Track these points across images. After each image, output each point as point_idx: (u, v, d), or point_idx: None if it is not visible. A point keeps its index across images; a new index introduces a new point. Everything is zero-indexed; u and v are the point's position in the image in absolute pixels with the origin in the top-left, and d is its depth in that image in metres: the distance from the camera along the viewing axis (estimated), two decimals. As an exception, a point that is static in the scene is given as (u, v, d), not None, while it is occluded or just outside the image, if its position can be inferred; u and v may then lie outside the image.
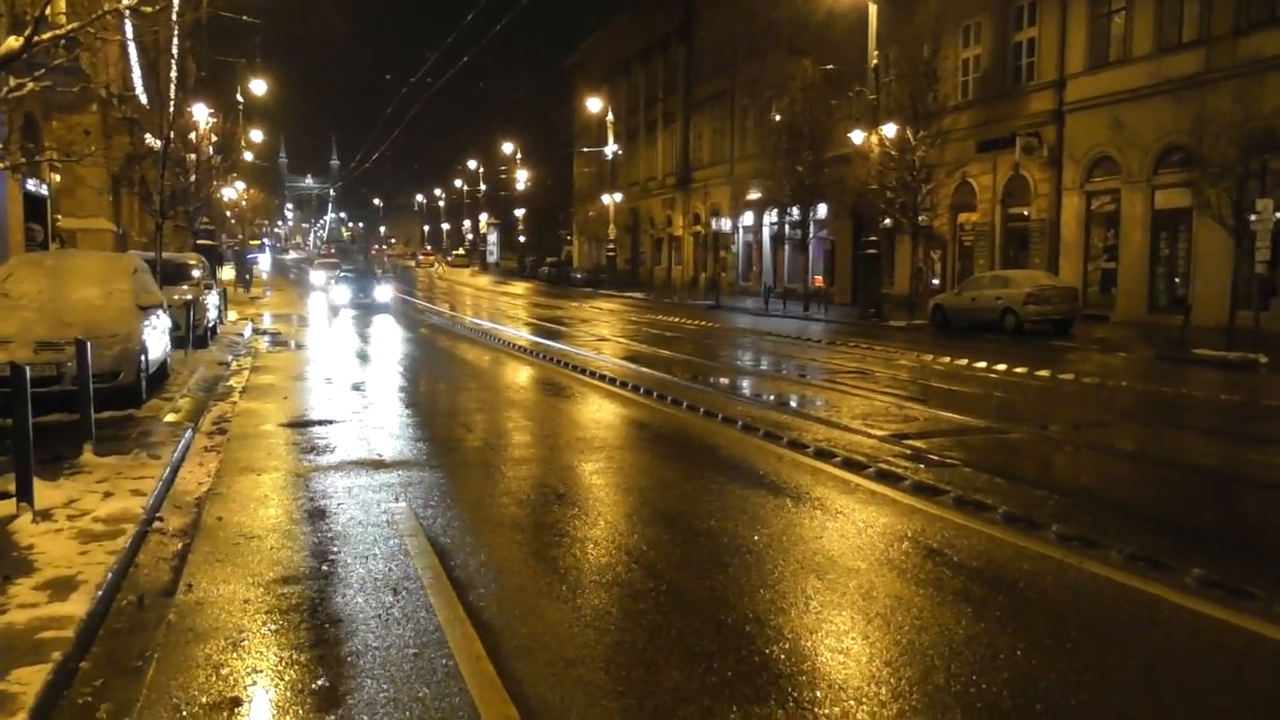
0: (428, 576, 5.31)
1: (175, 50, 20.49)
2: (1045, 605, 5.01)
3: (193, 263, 19.84)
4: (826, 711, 3.76)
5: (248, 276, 42.63)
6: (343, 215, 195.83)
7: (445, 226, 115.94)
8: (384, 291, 33.85)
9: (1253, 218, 17.51)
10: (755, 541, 6.03)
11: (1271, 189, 18.06)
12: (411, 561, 5.58)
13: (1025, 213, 27.85)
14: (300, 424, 10.29)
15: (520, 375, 15.26)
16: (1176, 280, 23.57)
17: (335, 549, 5.86)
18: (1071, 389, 13.59)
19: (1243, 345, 16.60)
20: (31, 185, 18.74)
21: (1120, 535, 6.00)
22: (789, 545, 5.96)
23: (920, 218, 27.46)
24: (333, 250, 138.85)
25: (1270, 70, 19.32)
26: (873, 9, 26.39)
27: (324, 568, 5.51)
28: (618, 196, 53.05)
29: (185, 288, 17.61)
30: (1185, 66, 22.25)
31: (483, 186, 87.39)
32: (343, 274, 36.15)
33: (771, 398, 12.63)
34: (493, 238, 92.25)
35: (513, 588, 5.21)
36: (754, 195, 39.85)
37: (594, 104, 53.84)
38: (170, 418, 9.87)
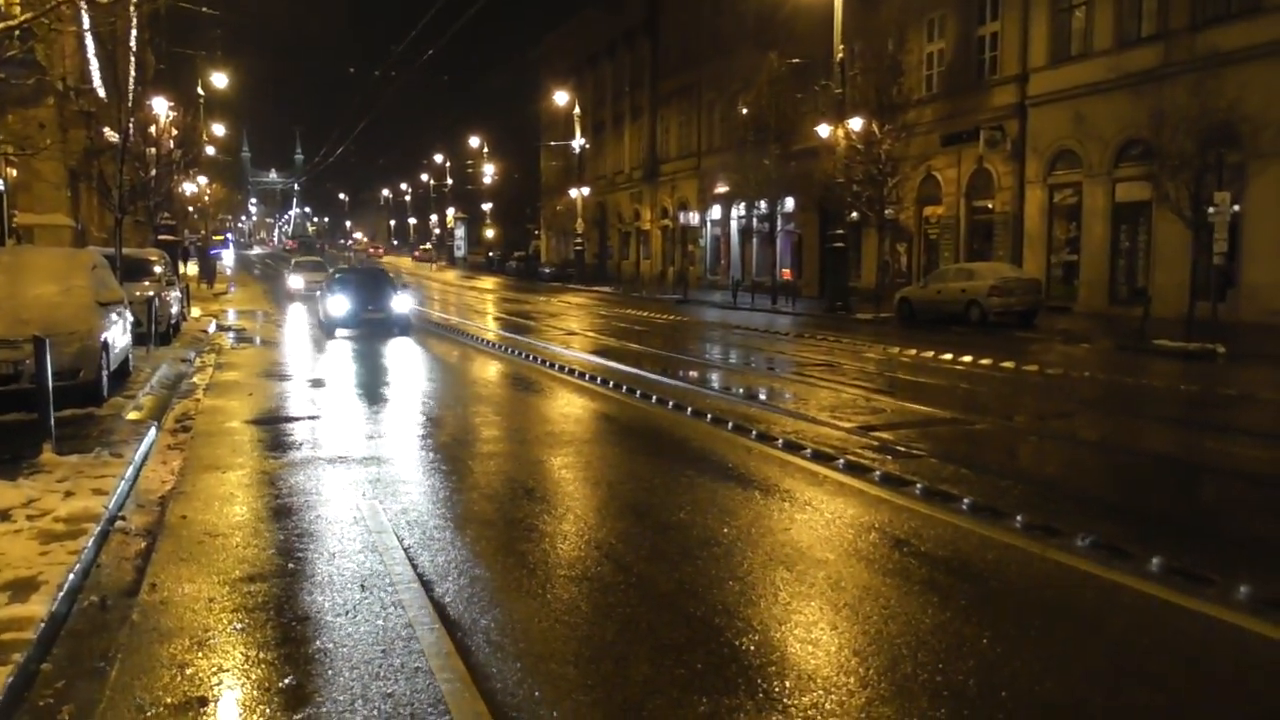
0: (396, 572, 5.28)
1: (134, 42, 20.13)
2: (1010, 593, 5.08)
3: (154, 259, 19.56)
4: (796, 702, 3.79)
5: (211, 272, 42.07)
6: (308, 210, 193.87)
7: (412, 221, 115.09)
8: (402, 301, 21.21)
9: (1210, 210, 17.80)
10: (725, 534, 6.05)
11: (1228, 182, 18.35)
12: (379, 558, 5.55)
13: (989, 205, 28.13)
14: (266, 421, 10.18)
15: (489, 370, 15.20)
16: (1137, 272, 23.92)
17: (302, 546, 5.81)
18: (1035, 380, 13.76)
19: (1201, 336, 16.89)
20: (-14, 180, 18.38)
21: (1083, 523, 6.08)
22: (758, 537, 5.99)
23: (886, 211, 27.66)
24: (298, 244, 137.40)
25: (1227, 64, 19.65)
26: (838, 2, 26.50)
27: (290, 565, 5.46)
28: (585, 190, 52.95)
29: (146, 284, 17.35)
30: (1144, 61, 22.57)
31: (450, 181, 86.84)
32: (339, 277, 22.65)
33: (740, 391, 12.67)
34: (460, 232, 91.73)
35: (482, 583, 5.19)
36: (721, 189, 39.93)
37: (561, 97, 53.68)
38: (133, 415, 9.73)
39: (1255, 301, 20.00)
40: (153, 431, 8.96)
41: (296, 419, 10.33)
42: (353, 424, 10.03)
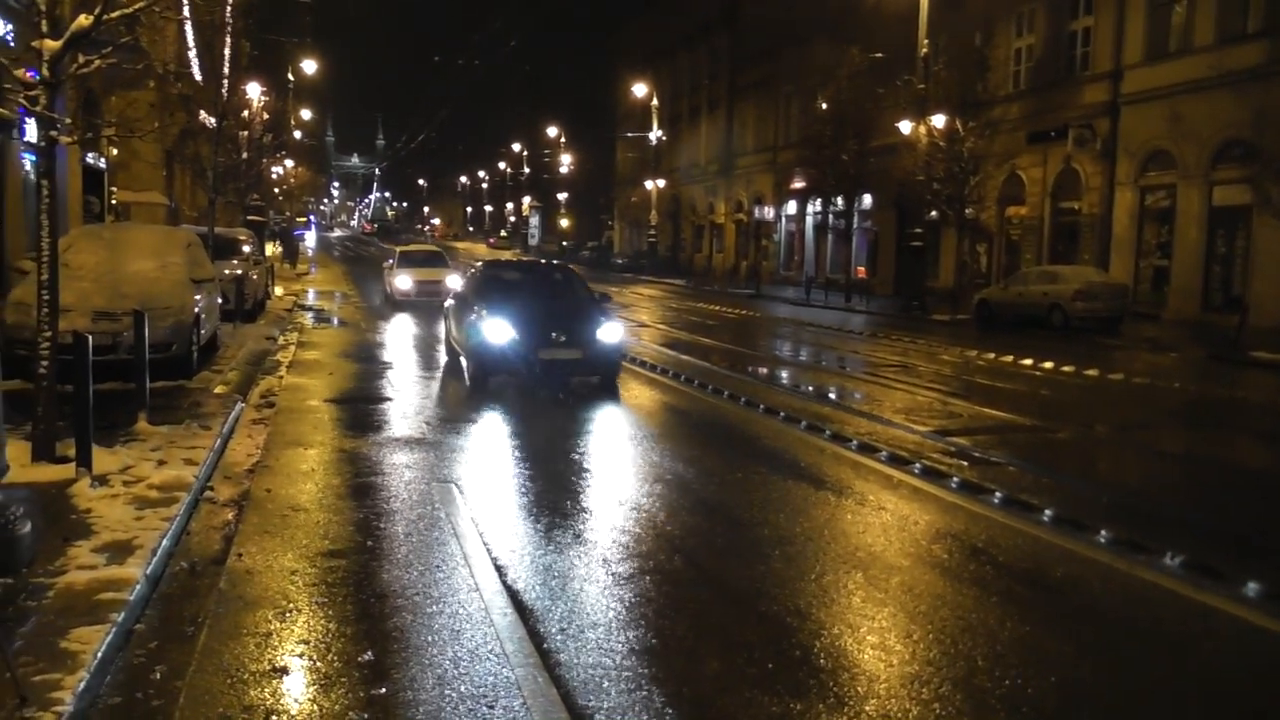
0: (470, 554, 5.36)
1: (230, 29, 20.71)
2: (1094, 610, 4.94)
3: (243, 238, 20.11)
4: (867, 708, 3.75)
5: (294, 253, 43.16)
6: (387, 194, 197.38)
7: (488, 209, 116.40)
8: (611, 330, 11.46)
9: (1314, 216, 17.06)
10: (797, 533, 6.01)
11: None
12: (455, 540, 5.64)
13: (1075, 207, 27.35)
14: (345, 400, 10.42)
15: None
16: (1233, 279, 23.04)
17: (380, 525, 5.93)
18: (1119, 389, 13.36)
19: (1300, 348, 16.20)
20: (90, 159, 19.08)
21: (1171, 541, 5.88)
22: (831, 539, 5.94)
23: (967, 210, 27.07)
24: (375, 228, 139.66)
25: (1337, 66, 18.80)
26: (925, -3, 25.97)
27: (369, 543, 5.59)
28: (660, 182, 52.90)
29: (235, 263, 17.87)
30: (1248, 58, 21.66)
31: (526, 169, 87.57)
32: (491, 279, 13.25)
33: (812, 389, 12.55)
34: (535, 220, 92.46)
35: (555, 571, 5.24)
36: (797, 184, 39.53)
37: (638, 89, 53.67)
38: (220, 390, 10.04)
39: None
40: (239, 406, 9.24)
41: (375, 399, 10.55)
42: (429, 406, 10.21)
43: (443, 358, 14.07)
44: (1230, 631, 4.71)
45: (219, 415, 8.51)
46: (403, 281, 23.86)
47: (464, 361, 12.18)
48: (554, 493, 6.88)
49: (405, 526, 5.92)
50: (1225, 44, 22.48)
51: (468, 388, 11.38)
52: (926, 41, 26.30)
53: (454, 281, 19.82)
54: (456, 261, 27.84)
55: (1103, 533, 6.04)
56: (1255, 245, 21.78)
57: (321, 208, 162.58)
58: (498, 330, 10.84)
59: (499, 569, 5.17)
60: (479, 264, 14.22)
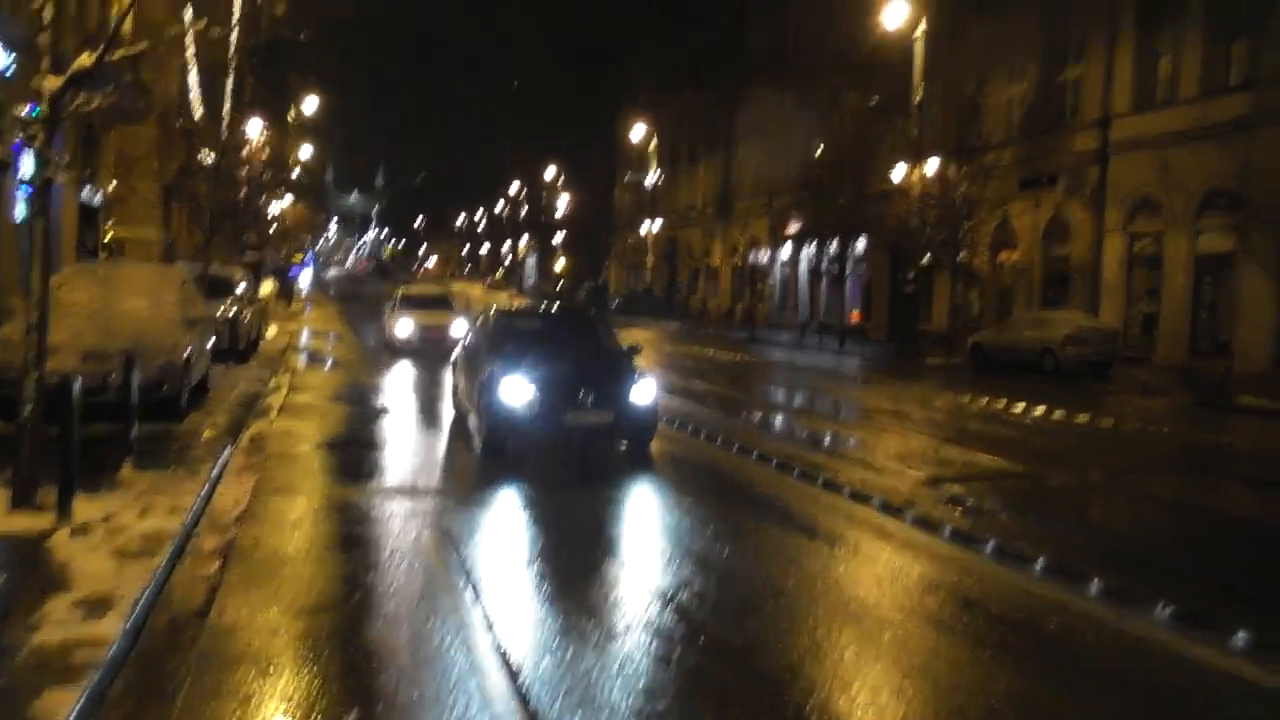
0: (460, 609, 5.30)
1: (233, 68, 20.91)
2: (1086, 662, 4.91)
3: (237, 277, 20.12)
4: (860, 769, 3.69)
5: (289, 292, 43.19)
6: (384, 233, 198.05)
7: (485, 248, 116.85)
8: (645, 390, 10.06)
9: (1301, 265, 17.21)
10: (789, 586, 5.96)
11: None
12: (446, 594, 5.58)
13: (1066, 253, 27.53)
14: (336, 445, 10.37)
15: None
16: (1219, 325, 23.16)
17: (368, 578, 5.87)
18: (1110, 434, 13.36)
19: (1289, 395, 16.24)
20: (85, 194, 19.15)
21: (1162, 589, 5.84)
22: (824, 591, 5.89)
23: (960, 255, 27.26)
24: (370, 267, 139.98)
25: (1322, 116, 19.04)
26: (919, 44, 26.35)
27: (356, 596, 5.52)
28: (657, 224, 53.21)
29: (229, 302, 17.86)
30: (1231, 110, 21.95)
31: (524, 209, 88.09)
32: (507, 328, 11.54)
33: (806, 435, 12.53)
34: (531, 261, 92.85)
35: (545, 626, 5.19)
36: (793, 227, 39.80)
37: (637, 131, 54.15)
38: (209, 434, 9.98)
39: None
40: (228, 451, 9.18)
41: (367, 445, 10.50)
42: (422, 454, 10.17)
43: (441, 402, 13.95)
44: (1220, 684, 4.67)
45: (207, 460, 8.45)
46: (404, 326, 21.74)
47: (473, 421, 10.51)
48: (548, 544, 6.83)
49: (395, 581, 5.86)
50: (1209, 96, 22.79)
51: (476, 450, 9.97)
52: (922, 87, 26.62)
53: (460, 327, 18.90)
54: (461, 305, 25.99)
55: (1095, 582, 6.00)
56: (1240, 292, 21.91)
57: (319, 246, 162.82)
58: (516, 390, 9.38)
59: (491, 626, 5.11)
60: (491, 310, 12.30)
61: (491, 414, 9.54)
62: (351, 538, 6.72)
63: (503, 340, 10.77)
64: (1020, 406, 15.55)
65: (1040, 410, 15.08)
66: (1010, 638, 5.20)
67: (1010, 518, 7.93)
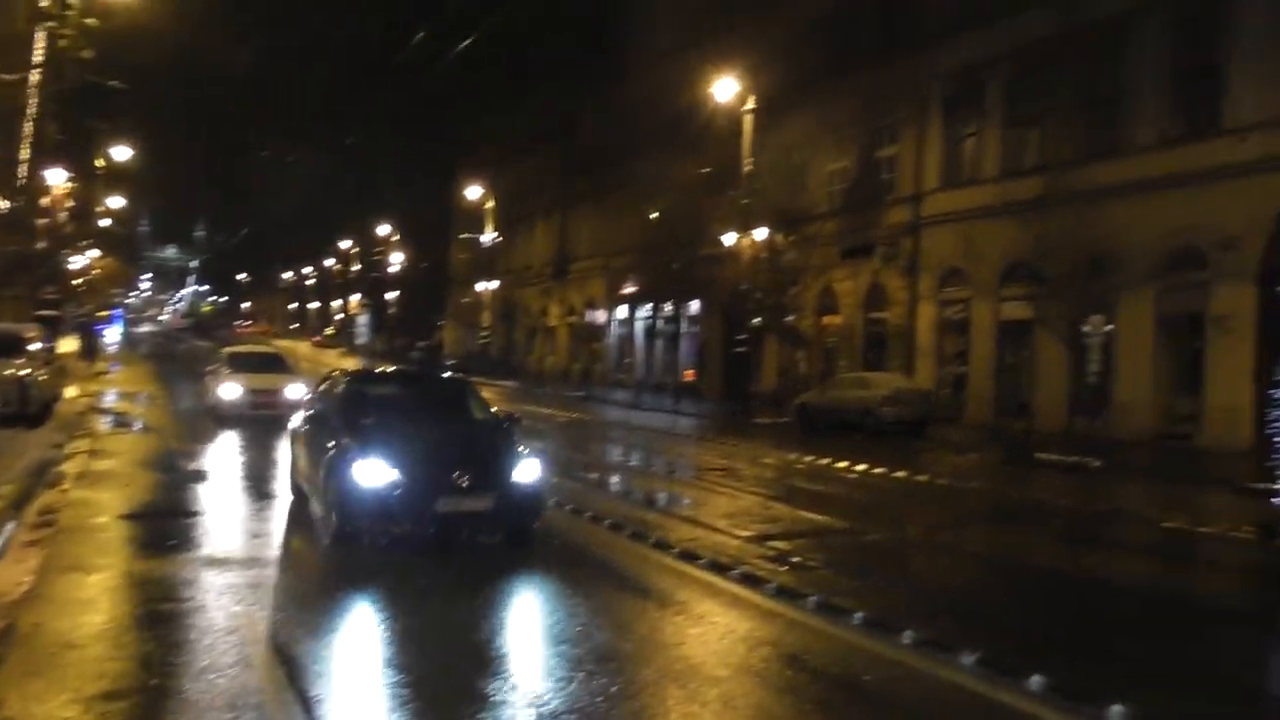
0: (272, 691, 4.99)
1: (32, 114, 19.62)
2: (900, 712, 5.08)
3: (30, 334, 18.64)
4: (683, 835, 3.67)
5: (93, 350, 40.37)
6: (204, 289, 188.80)
7: (313, 305, 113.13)
8: (529, 469, 8.70)
9: (1086, 330, 18.85)
10: (618, 649, 5.92)
11: (1102, 307, 19.51)
12: (255, 674, 5.24)
13: (884, 317, 29.15)
14: (141, 516, 9.64)
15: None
16: (1021, 387, 24.95)
17: (171, 659, 5.44)
18: (925, 490, 14.09)
19: (1080, 450, 17.62)
20: None
21: (971, 639, 6.14)
22: (652, 652, 5.89)
23: (787, 318, 28.41)
24: (188, 324, 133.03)
25: (1101, 198, 21.01)
26: (748, 118, 27.61)
27: (155, 681, 5.10)
28: (494, 284, 53.02)
29: (20, 362, 16.51)
30: (1028, 190, 23.96)
31: (355, 267, 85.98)
32: (363, 393, 9.86)
33: (639, 495, 12.61)
34: (363, 319, 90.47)
35: (364, 704, 4.94)
36: (629, 289, 40.49)
37: (474, 191, 54.07)
38: (-8, 506, 9.12)
39: (1128, 419, 21.02)
40: (10, 526, 8.40)
41: (174, 515, 9.81)
42: (234, 523, 9.60)
43: (271, 469, 13.28)
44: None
45: (-11, 534, 7.70)
46: (230, 390, 19.26)
47: (317, 508, 9.05)
48: (364, 616, 6.55)
49: (201, 661, 5.46)
50: (1008, 177, 24.86)
51: (323, 542, 8.46)
52: (750, 160, 27.83)
53: (297, 391, 17.53)
54: (299, 367, 23.53)
55: (908, 634, 6.24)
56: (1037, 357, 23.75)
57: (130, 301, 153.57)
58: (374, 472, 7.87)
59: (305, 703, 4.82)
60: (342, 373, 10.84)
61: (343, 501, 8.00)
62: (152, 617, 6.24)
63: (356, 409, 9.12)
64: (843, 464, 16.20)
65: (862, 467, 15.76)
66: (829, 692, 5.34)
67: (832, 573, 8.20)
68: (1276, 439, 9.75)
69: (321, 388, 10.76)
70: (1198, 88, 20.92)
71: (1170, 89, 21.36)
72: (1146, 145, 21.50)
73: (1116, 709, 4.98)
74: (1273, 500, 10.12)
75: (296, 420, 10.78)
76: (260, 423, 17.70)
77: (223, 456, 14.85)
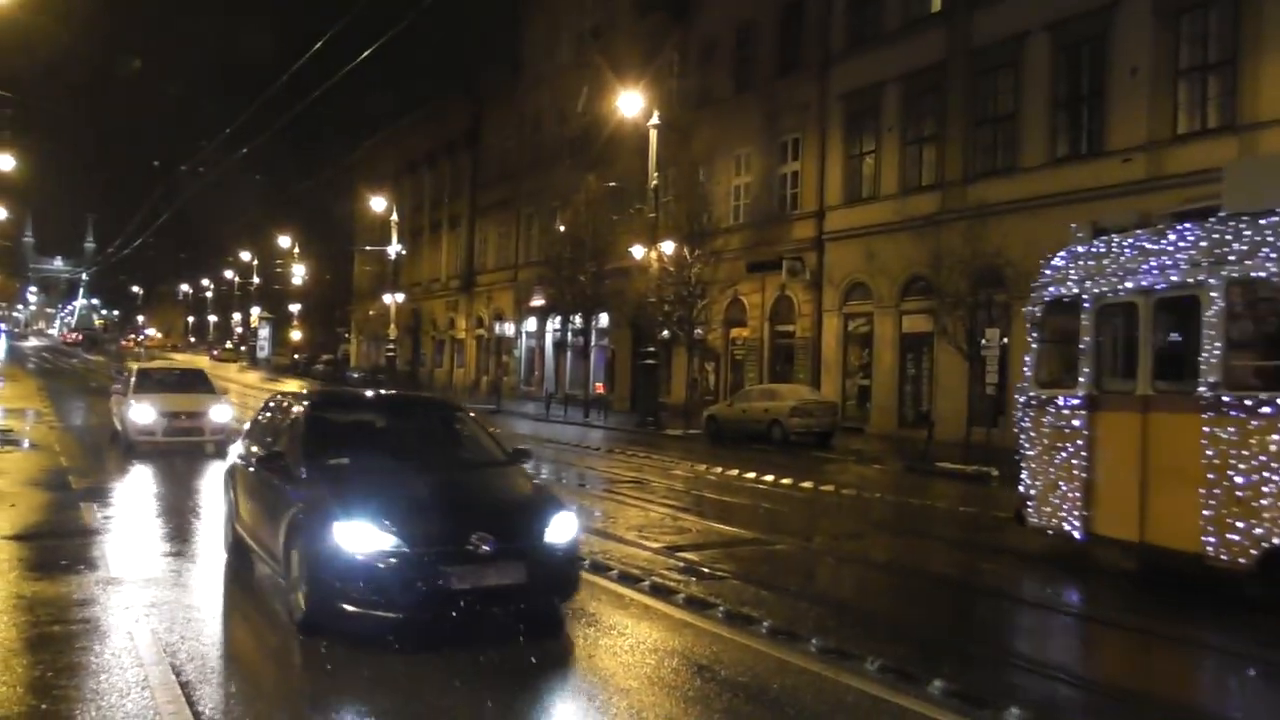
0: (168, 712, 4.86)
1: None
2: (806, 718, 5.22)
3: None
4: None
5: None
6: (95, 302, 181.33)
7: (212, 319, 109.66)
8: (563, 526, 6.58)
9: (983, 343, 19.59)
10: (526, 664, 5.94)
11: (998, 319, 20.32)
12: (150, 695, 5.09)
13: (791, 330, 29.74)
14: (29, 537, 9.25)
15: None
16: (922, 397, 25.75)
17: (62, 684, 5.25)
18: (831, 500, 14.43)
19: (978, 459, 18.28)
20: None
21: (873, 646, 6.36)
22: (563, 665, 5.92)
23: (696, 331, 28.74)
24: (81, 337, 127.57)
25: (993, 215, 21.90)
26: (653, 134, 27.92)
27: (45, 705, 4.93)
28: (399, 296, 52.26)
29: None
30: (924, 207, 24.85)
31: (256, 279, 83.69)
32: (333, 443, 7.33)
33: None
34: (265, 332, 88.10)
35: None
36: (538, 301, 40.41)
37: (378, 203, 53.26)
38: None
39: (1022, 428, 21.85)
40: (-112, 550, 7.96)
41: (67, 534, 9.44)
42: (131, 541, 9.27)
43: (156, 486, 12.83)
44: (923, 732, 5.13)
45: None
46: (142, 414, 16.18)
47: (271, 569, 7.10)
48: (269, 634, 6.42)
49: (93, 682, 5.28)
50: (906, 194, 25.71)
51: (291, 620, 6.39)
52: (656, 175, 28.14)
53: (222, 414, 16.64)
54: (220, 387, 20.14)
55: (814, 642, 6.41)
56: (937, 368, 24.56)
57: (15, 314, 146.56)
58: (361, 536, 5.89)
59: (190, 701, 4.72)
60: (295, 396, 8.67)
61: (320, 577, 5.97)
62: (43, 639, 6.00)
63: (323, 446, 7.12)
64: (751, 475, 16.48)
65: (770, 478, 16.05)
66: (738, 700, 5.44)
67: (741, 583, 8.35)
68: (1020, 438, 9.99)
69: (266, 415, 8.56)
70: (1085, 110, 22.02)
71: (1058, 111, 22.42)
72: (1036, 164, 22.49)
73: (1013, 711, 5.20)
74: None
75: (234, 456, 8.63)
76: (178, 453, 16.14)
77: (114, 470, 14.30)
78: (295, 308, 74.97)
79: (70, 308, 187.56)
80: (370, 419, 8.42)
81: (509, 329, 46.50)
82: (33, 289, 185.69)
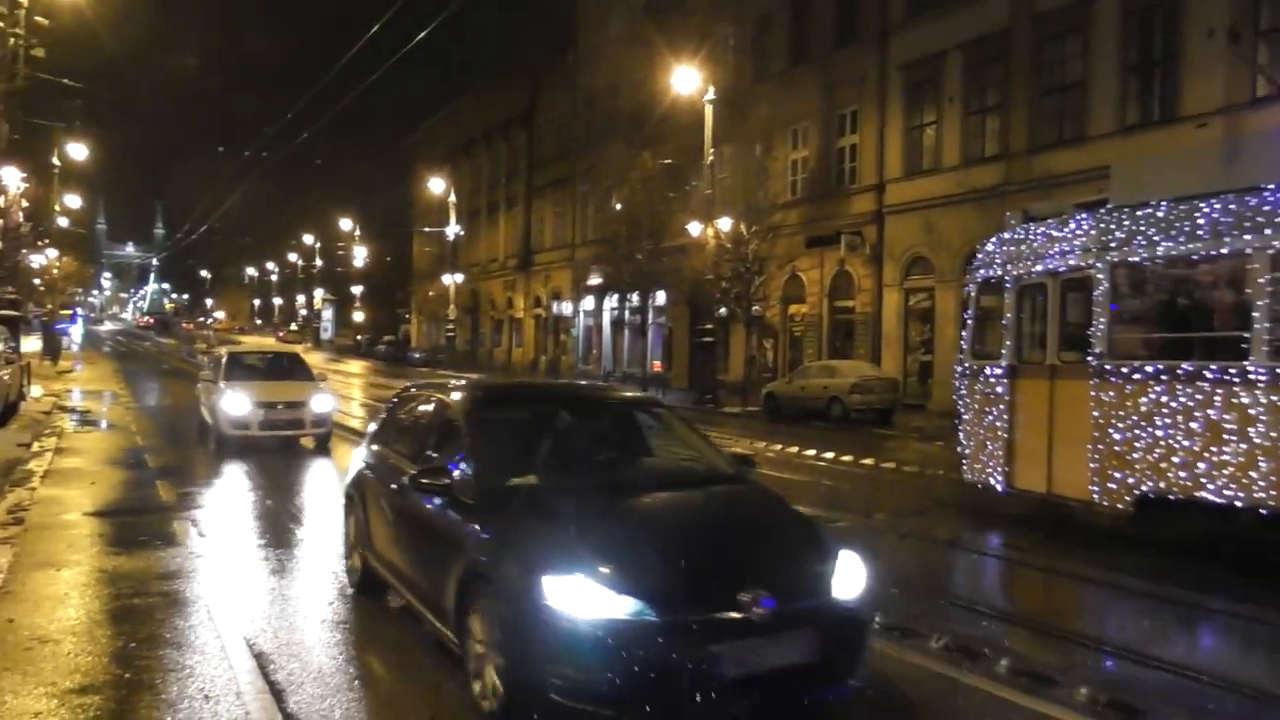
0: (245, 681, 5.01)
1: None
2: (871, 695, 5.20)
3: (-8, 335, 18.37)
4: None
5: (56, 349, 39.75)
6: (165, 286, 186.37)
7: (278, 301, 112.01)
8: (850, 576, 4.72)
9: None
10: None
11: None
12: (228, 665, 5.26)
13: (850, 306, 29.43)
14: (109, 513, 9.60)
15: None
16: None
17: (143, 653, 5.46)
18: (893, 477, 14.29)
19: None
20: None
21: (938, 624, 6.31)
22: None
23: (753, 308, 28.58)
24: (152, 321, 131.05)
25: (1057, 186, 21.36)
26: (709, 109, 27.72)
27: (128, 675, 5.12)
28: (459, 277, 52.83)
29: (-18, 362, 16.26)
30: (987, 178, 24.33)
31: (319, 262, 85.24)
32: (515, 448, 5.59)
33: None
34: (328, 314, 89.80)
35: (337, 692, 4.98)
36: (595, 280, 40.52)
37: (436, 184, 53.81)
38: (-44, 507, 9.02)
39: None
40: (-21, 525, 8.32)
41: (144, 511, 9.77)
42: (206, 517, 9.56)
43: (231, 464, 13.20)
44: (987, 707, 5.06)
45: (-46, 535, 7.63)
46: (236, 404, 14.32)
47: (428, 622, 5.37)
48: (341, 609, 6.57)
49: (172, 652, 5.48)
50: (968, 165, 25.20)
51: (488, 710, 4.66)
52: (712, 151, 27.95)
53: (324, 404, 14.86)
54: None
55: (876, 619, 6.35)
56: (1003, 342, 24.09)
57: (90, 299, 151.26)
58: (585, 597, 4.12)
59: (276, 694, 4.86)
60: (462, 385, 6.35)
61: (529, 653, 4.18)
62: (125, 611, 6.23)
63: (502, 458, 5.38)
64: (811, 452, 16.38)
65: (829, 455, 15.96)
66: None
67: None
68: (958, 404, 11.38)
69: (405, 412, 6.81)
70: (1158, 74, 21.33)
71: (1128, 76, 21.74)
72: (1105, 133, 21.87)
73: (1082, 691, 5.13)
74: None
75: (359, 462, 7.03)
76: (271, 445, 14.80)
77: (184, 442, 14.71)
78: (357, 289, 76.20)
79: (142, 292, 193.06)
80: (549, 419, 6.08)
81: (566, 308, 46.73)
82: (107, 275, 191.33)
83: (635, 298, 35.57)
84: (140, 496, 10.65)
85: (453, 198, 52.89)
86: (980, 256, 11.24)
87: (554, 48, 48.77)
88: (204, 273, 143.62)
